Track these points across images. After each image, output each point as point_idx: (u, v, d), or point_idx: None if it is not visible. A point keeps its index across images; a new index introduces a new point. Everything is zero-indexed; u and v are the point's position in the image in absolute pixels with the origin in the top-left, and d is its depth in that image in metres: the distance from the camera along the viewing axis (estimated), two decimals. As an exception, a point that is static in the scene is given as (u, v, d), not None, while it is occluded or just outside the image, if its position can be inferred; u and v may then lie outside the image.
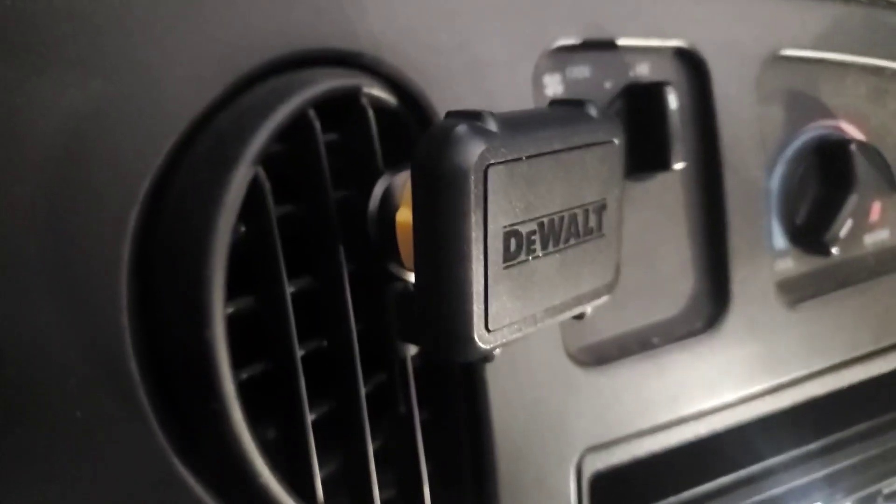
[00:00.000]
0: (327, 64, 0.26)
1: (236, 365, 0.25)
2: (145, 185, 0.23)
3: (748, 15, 0.33)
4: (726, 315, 0.34)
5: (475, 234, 0.19)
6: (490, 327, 0.20)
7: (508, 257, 0.20)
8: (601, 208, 0.23)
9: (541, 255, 0.21)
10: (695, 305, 0.34)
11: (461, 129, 0.19)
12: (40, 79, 0.22)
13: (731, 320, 0.34)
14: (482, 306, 0.20)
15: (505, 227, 0.20)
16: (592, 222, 0.23)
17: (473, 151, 0.19)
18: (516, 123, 0.20)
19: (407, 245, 0.23)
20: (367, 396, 0.28)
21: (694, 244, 0.34)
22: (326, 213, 0.26)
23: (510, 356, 0.30)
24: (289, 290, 0.25)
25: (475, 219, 0.19)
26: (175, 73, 0.23)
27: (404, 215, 0.23)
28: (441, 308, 0.20)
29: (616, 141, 0.23)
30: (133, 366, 0.24)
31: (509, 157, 0.19)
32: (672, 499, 0.36)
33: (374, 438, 0.28)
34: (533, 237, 0.21)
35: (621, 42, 0.30)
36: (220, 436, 0.25)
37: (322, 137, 0.25)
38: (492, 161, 0.19)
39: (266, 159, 0.25)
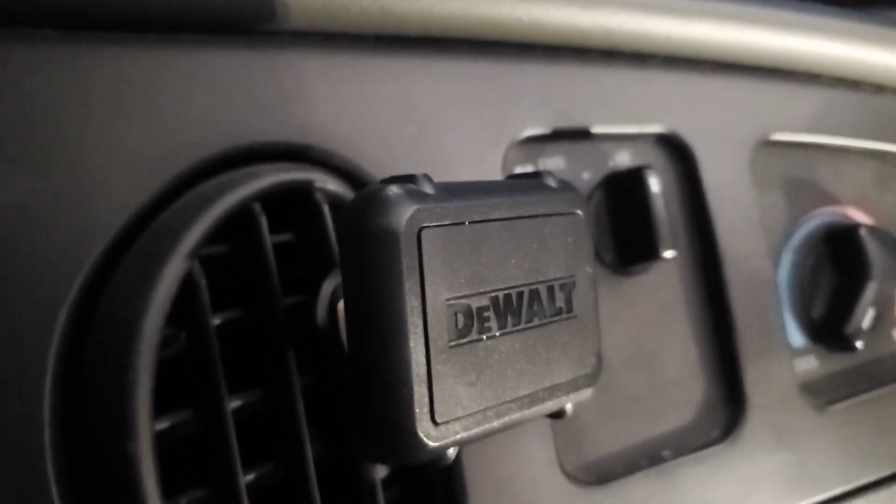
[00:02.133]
0: (276, 159, 0.25)
1: (174, 490, 0.22)
2: (76, 284, 0.21)
3: (733, 98, 0.32)
4: (744, 421, 0.30)
5: (411, 306, 0.17)
6: (437, 419, 0.17)
7: (455, 335, 0.17)
8: (570, 286, 0.20)
9: (497, 334, 0.18)
10: (708, 412, 0.30)
11: (391, 189, 0.17)
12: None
13: (751, 427, 0.30)
14: (425, 393, 0.17)
15: (448, 299, 0.17)
16: (560, 301, 0.20)
17: (404, 212, 0.16)
18: (458, 189, 0.18)
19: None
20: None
21: (700, 343, 0.31)
22: (275, 319, 0.23)
23: (496, 475, 0.26)
24: (230, 405, 0.22)
25: (409, 287, 0.17)
26: (110, 171, 0.22)
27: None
28: (376, 396, 0.17)
29: (579, 212, 0.21)
30: (53, 488, 0.21)
31: (447, 221, 0.17)
32: None
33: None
34: (486, 313, 0.18)
35: (596, 130, 0.29)
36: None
37: (269, 235, 0.23)
38: (426, 224, 0.17)
39: (210, 260, 0.23)
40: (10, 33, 0.22)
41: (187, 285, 0.22)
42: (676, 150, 0.31)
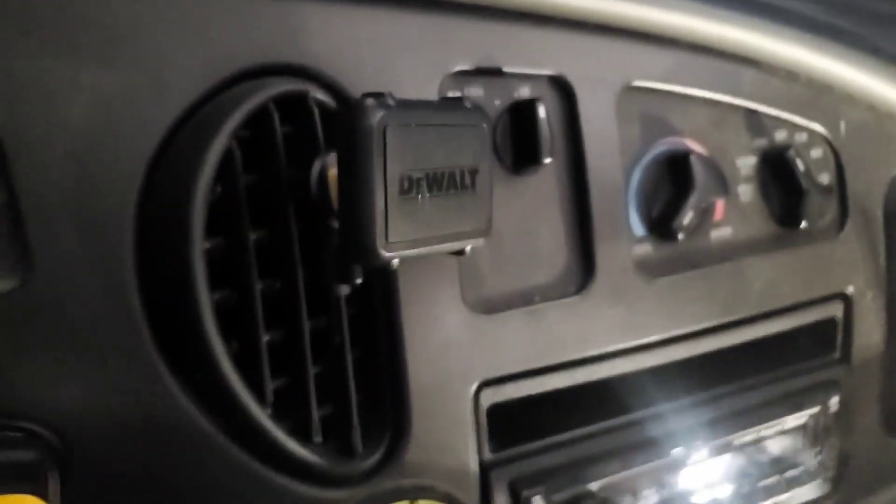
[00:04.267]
0: (283, 74, 0.36)
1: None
2: (151, 149, 0.33)
3: (606, 51, 0.44)
4: (592, 283, 0.43)
5: (378, 174, 0.29)
6: (389, 240, 0.29)
7: (402, 192, 0.30)
8: (474, 172, 0.33)
9: (427, 195, 0.31)
10: (567, 274, 0.44)
11: (369, 101, 0.29)
12: (75, 66, 0.31)
13: (597, 288, 0.43)
14: (383, 226, 0.29)
15: (400, 172, 0.29)
16: (467, 181, 0.32)
17: (376, 115, 0.28)
18: (409, 103, 0.30)
19: (337, 196, 0.32)
20: (311, 332, 0.37)
21: (566, 227, 0.44)
22: (280, 183, 0.35)
23: (420, 305, 0.39)
24: (251, 236, 0.34)
25: (377, 162, 0.29)
26: (172, 73, 0.33)
27: (334, 173, 0.33)
28: (354, 226, 0.29)
29: (484, 126, 0.33)
30: (133, 285, 0.33)
31: (402, 122, 0.29)
32: (558, 437, 0.45)
33: (315, 364, 0.37)
34: (420, 182, 0.30)
35: (506, 70, 0.41)
36: (197, 339, 0.33)
37: (279, 126, 0.35)
38: (388, 123, 0.29)
39: (238, 140, 0.34)
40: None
41: (227, 156, 0.33)
42: (562, 88, 0.43)
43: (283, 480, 0.36)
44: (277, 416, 0.36)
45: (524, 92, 0.41)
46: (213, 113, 0.33)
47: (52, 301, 0.32)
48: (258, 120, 0.35)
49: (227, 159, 0.33)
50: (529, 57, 0.41)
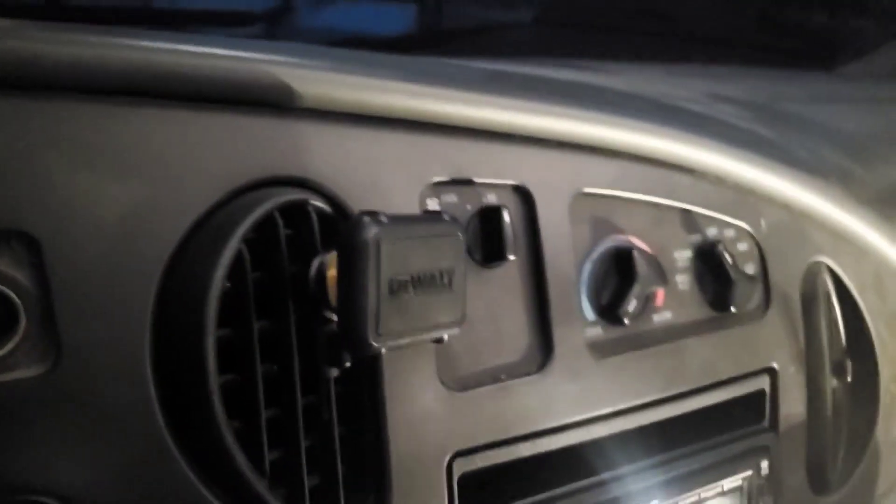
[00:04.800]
0: (287, 185, 0.41)
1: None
2: (168, 251, 0.38)
3: (560, 162, 0.51)
4: (551, 362, 0.49)
5: (372, 279, 0.35)
6: (379, 332, 0.35)
7: (391, 292, 0.35)
8: (451, 273, 0.39)
9: (412, 294, 0.37)
10: (529, 354, 0.50)
11: (366, 219, 0.35)
12: (105, 178, 0.37)
13: (555, 366, 0.49)
14: (374, 321, 0.35)
15: (390, 276, 0.35)
16: (445, 280, 0.38)
17: (372, 230, 0.34)
18: (399, 218, 0.36)
19: (333, 293, 0.38)
20: (303, 409, 0.41)
21: (528, 313, 0.50)
22: (283, 279, 0.40)
23: (401, 384, 0.44)
24: (256, 326, 0.39)
25: (372, 269, 0.34)
26: (189, 184, 0.39)
27: (332, 273, 0.38)
28: (350, 321, 0.35)
29: (459, 234, 0.39)
30: (149, 372, 0.37)
31: (392, 236, 0.35)
32: (529, 499, 0.50)
33: (305, 438, 0.42)
34: (406, 283, 0.36)
35: (476, 180, 0.48)
36: (206, 419, 0.38)
37: (283, 231, 0.41)
38: (381, 238, 0.35)
39: (246, 241, 0.40)
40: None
41: (238, 257, 0.38)
42: (523, 195, 0.49)
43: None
44: (272, 486, 0.40)
45: (491, 199, 0.48)
46: (225, 219, 0.39)
47: (76, 386, 0.36)
48: (263, 224, 0.40)
49: (236, 260, 0.39)
50: (495, 168, 0.48)
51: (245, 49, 0.42)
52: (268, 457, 0.40)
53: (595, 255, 0.53)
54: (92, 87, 0.37)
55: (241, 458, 0.39)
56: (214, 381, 0.37)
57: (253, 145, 0.41)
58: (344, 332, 0.35)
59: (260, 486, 0.39)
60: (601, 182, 0.53)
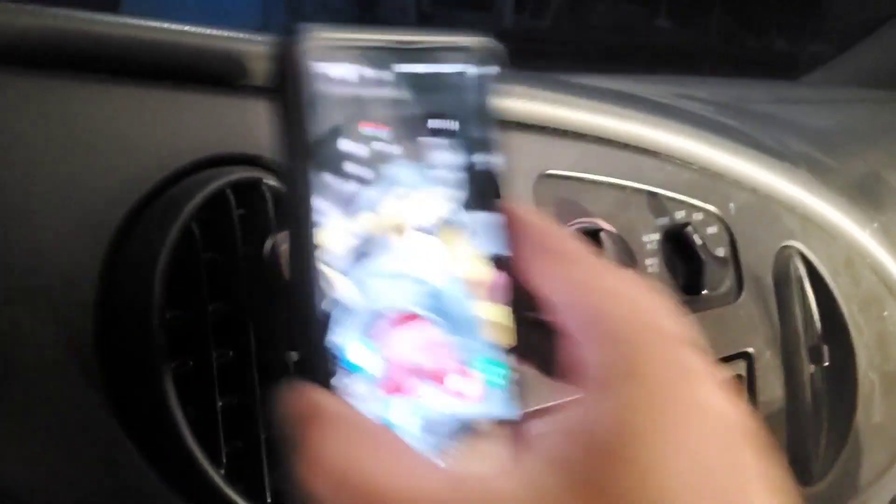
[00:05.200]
0: (240, 163, 0.40)
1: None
2: (114, 227, 0.36)
3: (523, 145, 0.50)
4: (521, 346, 0.48)
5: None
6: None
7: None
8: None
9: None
10: (498, 339, 0.48)
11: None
12: (52, 155, 0.36)
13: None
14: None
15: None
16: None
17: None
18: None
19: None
20: (262, 397, 0.40)
21: (496, 297, 0.49)
22: (235, 259, 0.39)
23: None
24: (209, 308, 0.38)
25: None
26: (133, 161, 0.37)
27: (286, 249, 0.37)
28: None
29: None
30: (93, 354, 0.36)
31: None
32: None
33: (265, 429, 0.40)
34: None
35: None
36: (156, 406, 0.36)
37: (236, 209, 0.39)
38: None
39: (199, 221, 0.38)
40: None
41: (188, 234, 0.37)
42: (487, 176, 0.49)
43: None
44: (231, 479, 0.38)
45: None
46: (174, 196, 0.38)
47: (11, 370, 0.34)
48: (216, 203, 0.39)
49: (188, 238, 0.37)
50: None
51: (199, 25, 0.41)
52: (224, 448, 0.38)
53: (562, 237, 0.52)
54: (37, 60, 0.36)
55: (195, 448, 0.37)
56: (165, 364, 0.36)
57: (204, 122, 0.40)
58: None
59: (216, 477, 0.38)
60: (565, 164, 0.52)
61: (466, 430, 0.30)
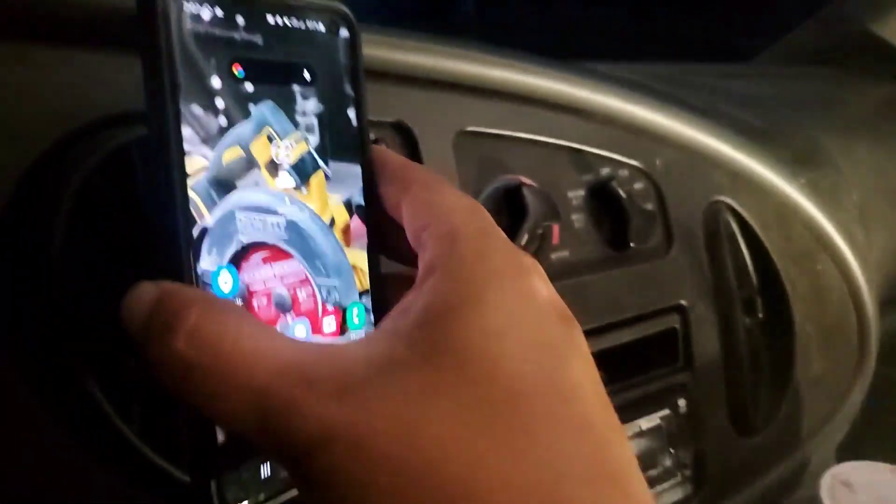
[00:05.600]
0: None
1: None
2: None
3: (441, 102, 0.51)
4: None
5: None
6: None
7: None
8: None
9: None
10: (422, 293, 0.49)
11: None
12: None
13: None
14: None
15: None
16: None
17: None
18: None
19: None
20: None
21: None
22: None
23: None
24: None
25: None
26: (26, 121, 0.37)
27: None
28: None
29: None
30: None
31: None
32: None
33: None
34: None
35: (352, 118, 0.47)
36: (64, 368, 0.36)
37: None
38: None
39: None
40: None
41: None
42: (404, 133, 0.49)
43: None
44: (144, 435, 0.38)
45: (372, 135, 0.47)
46: (75, 154, 0.38)
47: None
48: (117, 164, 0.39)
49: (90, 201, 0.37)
50: (373, 107, 0.48)
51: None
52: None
53: (484, 195, 0.53)
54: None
55: (105, 404, 0.37)
56: (66, 320, 0.36)
57: (106, 81, 0.39)
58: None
59: (130, 434, 0.37)
60: (485, 121, 0.53)
61: None
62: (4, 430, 0.35)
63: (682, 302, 0.62)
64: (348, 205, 0.34)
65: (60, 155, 0.38)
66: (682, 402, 0.60)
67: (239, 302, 0.30)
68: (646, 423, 0.58)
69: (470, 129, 0.52)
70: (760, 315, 0.67)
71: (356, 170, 0.34)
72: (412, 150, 0.49)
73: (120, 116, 0.39)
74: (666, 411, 0.59)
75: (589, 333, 0.55)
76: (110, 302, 0.38)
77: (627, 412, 0.57)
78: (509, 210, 0.53)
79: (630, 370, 0.59)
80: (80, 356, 0.36)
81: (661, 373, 0.61)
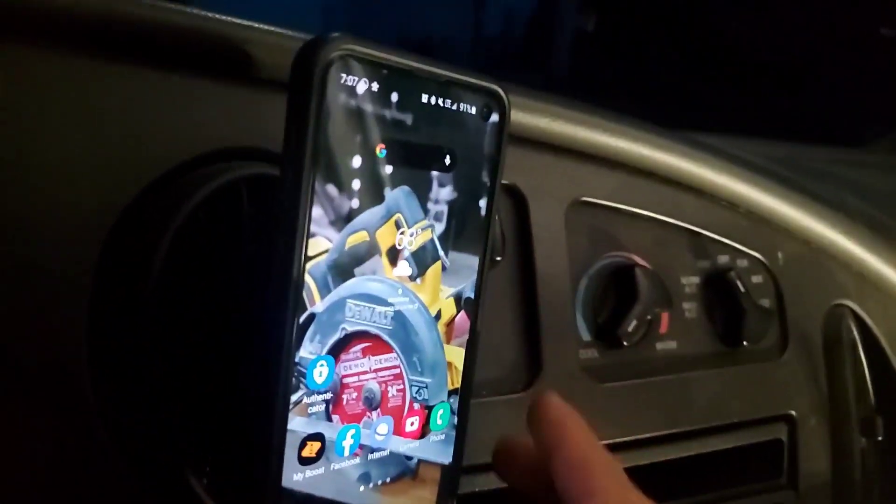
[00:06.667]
0: (255, 158, 0.39)
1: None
2: (115, 214, 0.35)
3: (557, 168, 0.47)
4: (539, 382, 0.45)
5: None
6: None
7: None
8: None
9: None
10: (516, 371, 0.45)
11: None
12: (63, 131, 0.34)
13: (543, 385, 0.45)
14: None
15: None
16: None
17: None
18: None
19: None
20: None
21: (516, 326, 0.45)
22: (240, 256, 0.37)
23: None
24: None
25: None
26: (145, 145, 0.36)
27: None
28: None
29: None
30: (82, 338, 0.34)
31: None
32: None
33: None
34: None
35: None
36: (144, 402, 0.34)
37: (247, 205, 0.37)
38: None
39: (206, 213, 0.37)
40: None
41: (192, 223, 0.35)
42: (516, 198, 0.46)
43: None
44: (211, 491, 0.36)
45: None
46: (185, 185, 0.36)
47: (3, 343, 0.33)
48: (227, 197, 0.37)
49: (192, 230, 0.36)
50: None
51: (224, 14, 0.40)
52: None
53: (593, 270, 0.49)
54: (55, 36, 0.35)
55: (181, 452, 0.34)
56: (155, 355, 0.34)
57: (221, 113, 0.38)
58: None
59: (199, 488, 0.35)
60: (601, 192, 0.49)
61: (400, 464, 0.31)
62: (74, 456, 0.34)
63: (792, 412, 0.56)
64: (458, 298, 0.32)
65: (166, 187, 0.36)
66: (783, 525, 0.54)
67: (330, 395, 0.28)
68: (741, 543, 0.52)
69: (584, 199, 0.49)
70: (879, 437, 0.60)
71: (473, 261, 0.32)
72: (523, 217, 0.46)
73: (230, 151, 0.38)
74: (764, 533, 0.53)
75: (689, 436, 0.51)
76: (199, 364, 0.36)
77: (722, 528, 0.51)
78: (618, 290, 0.49)
79: (728, 481, 0.53)
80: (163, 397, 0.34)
81: (762, 487, 0.55)
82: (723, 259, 0.54)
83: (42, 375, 0.33)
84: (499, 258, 0.43)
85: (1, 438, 0.33)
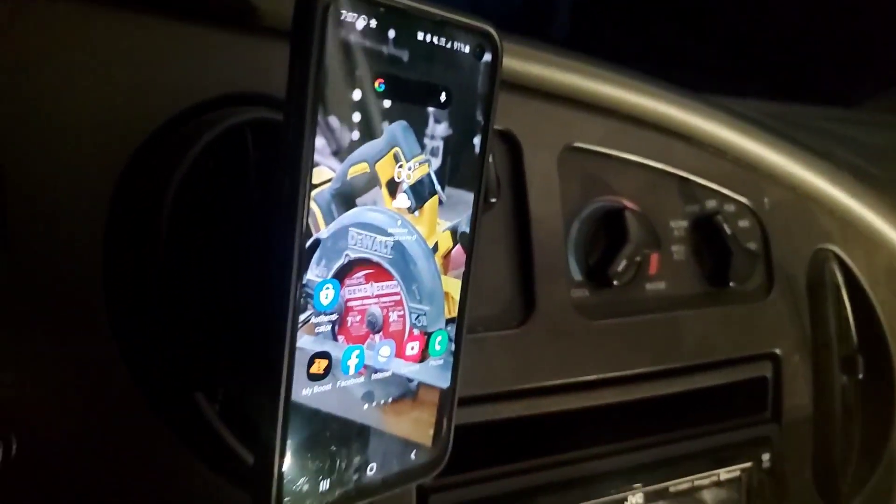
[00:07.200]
0: (259, 103, 0.40)
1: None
2: (127, 155, 0.36)
3: (550, 114, 0.49)
4: (532, 318, 0.47)
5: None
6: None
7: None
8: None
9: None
10: (509, 308, 0.47)
11: None
12: (73, 78, 0.36)
13: (536, 323, 0.47)
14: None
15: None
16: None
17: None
18: None
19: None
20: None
21: (511, 266, 0.47)
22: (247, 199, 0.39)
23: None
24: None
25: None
26: (151, 92, 0.37)
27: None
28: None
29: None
30: (98, 276, 0.36)
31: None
32: (494, 468, 0.47)
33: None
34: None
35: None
36: (153, 324, 0.36)
37: (252, 149, 0.39)
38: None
39: (212, 157, 0.38)
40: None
41: (199, 167, 0.37)
42: (510, 143, 0.48)
43: (224, 485, 0.38)
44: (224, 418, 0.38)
45: (474, 142, 0.46)
46: (192, 130, 0.38)
47: (24, 282, 0.34)
48: (233, 141, 0.39)
49: (199, 173, 0.37)
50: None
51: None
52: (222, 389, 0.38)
53: (585, 213, 0.51)
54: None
55: (191, 381, 0.36)
56: (165, 297, 0.36)
57: (225, 60, 0.39)
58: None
59: (210, 413, 0.37)
60: (592, 138, 0.51)
61: (402, 386, 0.33)
62: (91, 389, 0.36)
63: (777, 350, 0.58)
64: (454, 232, 0.33)
65: (174, 131, 0.38)
66: (765, 457, 0.56)
67: (335, 317, 0.30)
68: (725, 473, 0.54)
69: (577, 144, 0.50)
70: (860, 374, 0.62)
71: (469, 197, 0.33)
72: (517, 161, 0.48)
73: (234, 96, 0.39)
74: (748, 464, 0.55)
75: (676, 373, 0.53)
76: (208, 294, 0.38)
77: (707, 460, 0.54)
78: (608, 232, 0.51)
79: (715, 416, 0.56)
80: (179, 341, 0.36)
81: (747, 422, 0.57)
82: (710, 203, 0.56)
83: (60, 305, 0.35)
84: (493, 199, 0.45)
85: (18, 364, 0.34)
